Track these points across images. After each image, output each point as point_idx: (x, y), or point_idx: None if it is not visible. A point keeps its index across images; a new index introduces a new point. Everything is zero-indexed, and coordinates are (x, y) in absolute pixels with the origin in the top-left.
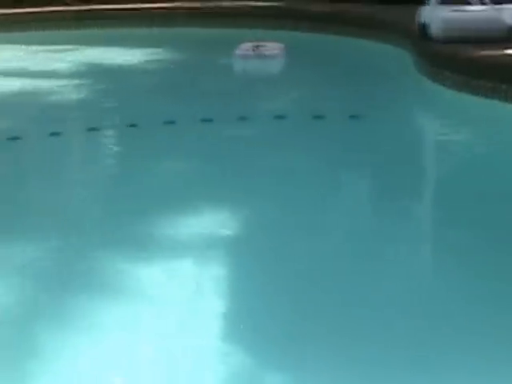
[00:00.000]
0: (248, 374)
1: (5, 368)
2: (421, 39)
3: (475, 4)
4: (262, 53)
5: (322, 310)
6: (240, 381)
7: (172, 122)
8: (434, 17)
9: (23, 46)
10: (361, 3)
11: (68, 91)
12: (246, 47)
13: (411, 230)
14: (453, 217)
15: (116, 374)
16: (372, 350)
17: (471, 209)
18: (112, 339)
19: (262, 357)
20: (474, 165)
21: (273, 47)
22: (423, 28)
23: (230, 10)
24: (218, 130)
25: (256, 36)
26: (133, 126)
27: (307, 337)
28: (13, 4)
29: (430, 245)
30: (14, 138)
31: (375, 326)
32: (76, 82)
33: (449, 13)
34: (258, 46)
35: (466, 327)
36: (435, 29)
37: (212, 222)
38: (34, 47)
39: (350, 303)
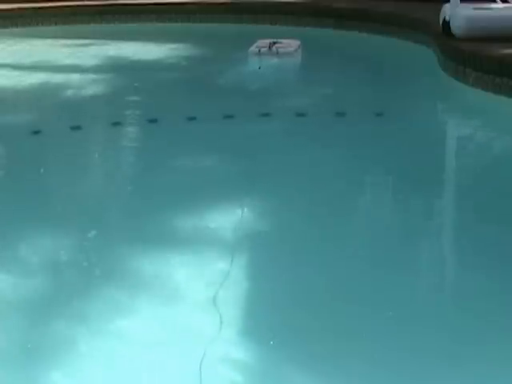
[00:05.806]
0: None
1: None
2: (444, 37)
3: (497, 2)
4: (278, 50)
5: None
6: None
7: (194, 118)
8: (455, 14)
9: (46, 41)
10: (385, 0)
11: (89, 86)
12: (262, 44)
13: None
14: (480, 216)
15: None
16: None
17: (498, 207)
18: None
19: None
20: (498, 163)
21: (289, 44)
22: (445, 25)
23: (251, 6)
24: (239, 127)
25: (276, 32)
26: (154, 121)
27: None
28: None
29: (462, 245)
30: (36, 132)
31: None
32: (96, 76)
33: (469, 10)
34: (274, 43)
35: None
36: (456, 27)
37: (236, 218)
38: (57, 41)
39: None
